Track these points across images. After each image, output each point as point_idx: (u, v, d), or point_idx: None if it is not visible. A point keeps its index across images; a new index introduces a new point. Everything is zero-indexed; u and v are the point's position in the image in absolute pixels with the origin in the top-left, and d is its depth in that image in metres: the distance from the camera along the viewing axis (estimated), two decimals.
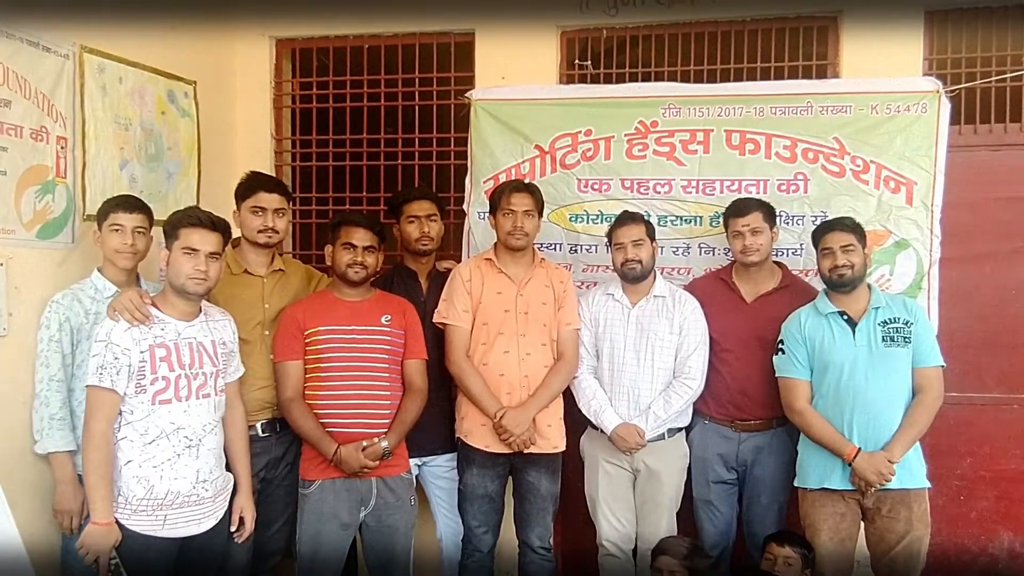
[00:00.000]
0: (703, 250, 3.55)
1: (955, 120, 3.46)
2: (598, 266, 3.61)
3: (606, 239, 3.28)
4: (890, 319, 2.93)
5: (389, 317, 2.98)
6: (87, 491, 2.41)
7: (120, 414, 2.45)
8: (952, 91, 3.41)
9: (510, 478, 3.19)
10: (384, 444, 2.84)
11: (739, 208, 3.18)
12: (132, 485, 2.44)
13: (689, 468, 3.24)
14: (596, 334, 3.23)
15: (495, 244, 3.20)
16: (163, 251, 2.57)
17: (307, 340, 2.91)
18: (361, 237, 2.93)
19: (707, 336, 3.17)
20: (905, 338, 2.91)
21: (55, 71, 2.94)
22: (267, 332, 2.98)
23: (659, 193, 3.56)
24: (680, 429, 3.22)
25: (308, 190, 4.18)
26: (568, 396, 3.21)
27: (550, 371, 3.11)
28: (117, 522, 2.40)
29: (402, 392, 2.97)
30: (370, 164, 4.07)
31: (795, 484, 3.06)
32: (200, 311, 2.62)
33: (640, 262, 3.12)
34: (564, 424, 3.17)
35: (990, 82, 3.51)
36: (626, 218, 3.20)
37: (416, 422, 2.96)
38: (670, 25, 3.76)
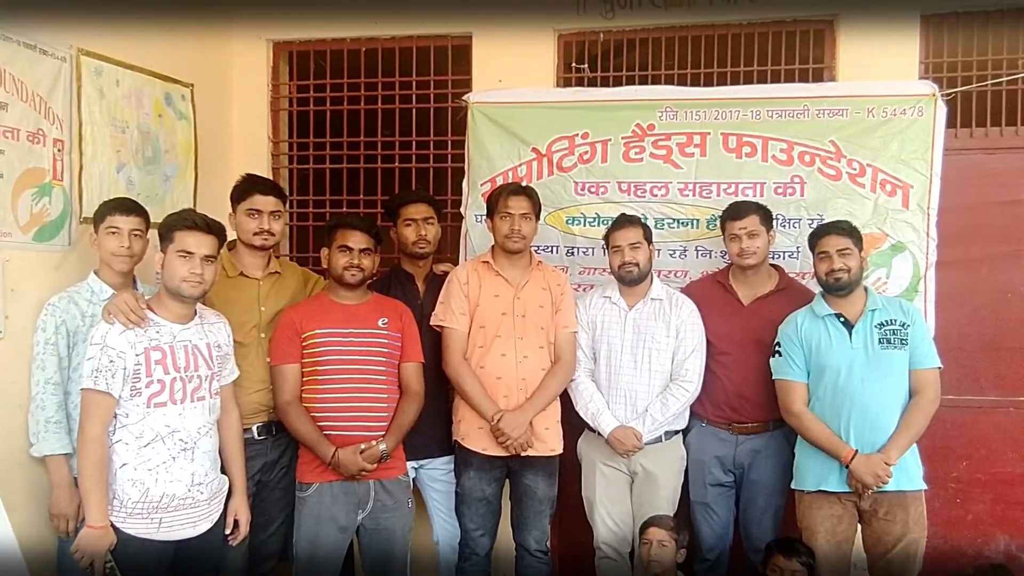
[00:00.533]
0: (700, 253, 3.55)
1: (951, 123, 3.46)
2: (595, 269, 3.61)
3: (603, 242, 3.28)
4: (887, 321, 2.94)
5: (386, 320, 2.98)
6: (82, 494, 2.40)
7: (115, 417, 2.44)
8: (948, 94, 3.41)
9: (507, 481, 3.18)
10: (382, 447, 2.84)
11: (736, 211, 3.18)
12: (127, 488, 2.43)
13: (686, 471, 3.24)
14: (593, 337, 3.23)
15: (492, 247, 3.20)
16: (158, 254, 2.56)
17: (304, 343, 2.90)
18: (357, 240, 2.93)
19: (704, 339, 3.17)
20: (902, 340, 2.91)
21: (52, 74, 2.94)
22: (263, 335, 2.97)
23: (656, 196, 3.57)
24: (677, 432, 3.22)
25: (305, 193, 4.18)
26: (565, 399, 3.20)
27: (547, 374, 3.11)
28: (112, 525, 2.39)
29: (399, 395, 2.97)
30: (367, 167, 4.06)
31: (792, 487, 3.06)
32: (195, 314, 2.61)
33: (637, 265, 3.12)
34: (561, 427, 3.17)
35: (986, 85, 3.52)
36: (623, 221, 3.20)
37: (413, 425, 2.96)
38: (667, 28, 3.77)
